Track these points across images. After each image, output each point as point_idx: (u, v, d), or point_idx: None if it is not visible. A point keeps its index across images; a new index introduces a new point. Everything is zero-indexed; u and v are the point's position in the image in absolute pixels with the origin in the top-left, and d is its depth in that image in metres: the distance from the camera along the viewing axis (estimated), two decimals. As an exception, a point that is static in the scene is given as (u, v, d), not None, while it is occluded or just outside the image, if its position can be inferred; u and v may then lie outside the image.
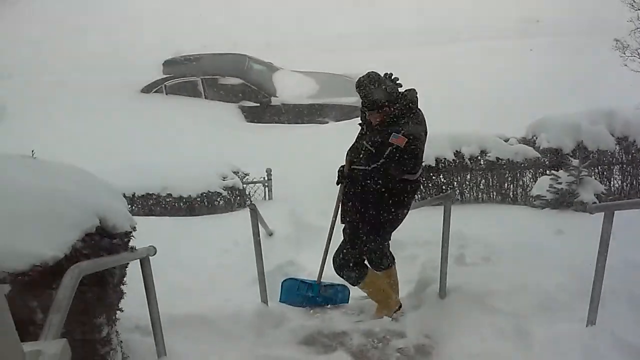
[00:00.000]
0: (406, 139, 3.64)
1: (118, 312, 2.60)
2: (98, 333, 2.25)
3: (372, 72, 3.89)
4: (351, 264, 4.05)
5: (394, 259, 4.38)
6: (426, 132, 3.92)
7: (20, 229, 1.94)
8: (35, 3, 19.04)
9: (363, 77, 3.86)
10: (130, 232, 2.60)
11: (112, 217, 2.43)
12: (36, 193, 2.15)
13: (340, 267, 4.09)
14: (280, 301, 4.59)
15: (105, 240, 2.39)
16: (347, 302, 4.67)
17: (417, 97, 3.89)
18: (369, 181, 3.80)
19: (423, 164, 6.44)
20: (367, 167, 3.81)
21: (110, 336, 2.37)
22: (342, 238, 4.11)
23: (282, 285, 4.72)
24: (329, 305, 4.53)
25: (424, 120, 3.93)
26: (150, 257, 2.96)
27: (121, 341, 2.69)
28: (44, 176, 2.40)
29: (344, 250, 4.06)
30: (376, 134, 3.83)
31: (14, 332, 1.07)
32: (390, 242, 4.31)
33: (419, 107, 3.91)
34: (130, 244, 2.67)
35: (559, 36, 15.32)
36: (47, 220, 2.07)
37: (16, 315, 1.84)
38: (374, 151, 3.78)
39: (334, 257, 4.14)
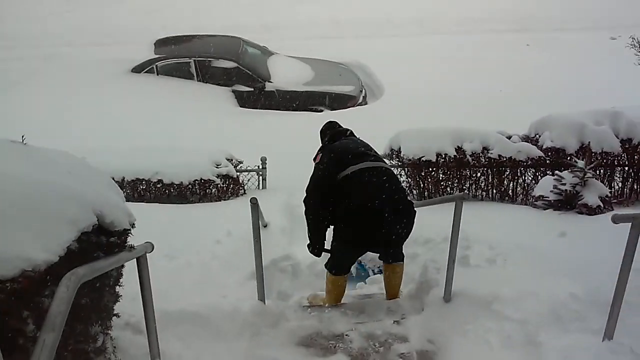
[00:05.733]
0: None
1: (113, 317, 2.39)
2: (93, 343, 2.04)
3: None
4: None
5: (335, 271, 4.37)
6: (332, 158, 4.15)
7: (8, 228, 1.71)
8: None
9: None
10: (129, 229, 2.38)
11: (111, 212, 2.21)
12: (27, 186, 1.92)
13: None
14: None
15: (102, 238, 2.18)
16: None
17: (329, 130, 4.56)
18: None
19: (424, 158, 6.41)
20: None
21: (105, 344, 2.16)
22: None
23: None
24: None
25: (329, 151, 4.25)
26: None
27: (115, 347, 2.49)
28: (35, 166, 2.17)
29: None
30: None
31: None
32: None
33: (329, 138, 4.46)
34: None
35: (556, 32, 15.23)
36: (40, 217, 1.85)
37: (3, 326, 1.65)
38: None
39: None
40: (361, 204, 3.89)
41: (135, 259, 2.64)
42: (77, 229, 1.95)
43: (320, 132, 4.63)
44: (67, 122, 9.21)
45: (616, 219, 2.96)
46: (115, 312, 2.40)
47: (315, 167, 4.21)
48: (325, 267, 4.38)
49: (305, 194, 4.16)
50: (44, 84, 11.29)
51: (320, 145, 4.52)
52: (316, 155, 4.38)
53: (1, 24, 15.55)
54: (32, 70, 12.05)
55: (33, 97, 10.58)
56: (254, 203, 3.94)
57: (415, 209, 4.13)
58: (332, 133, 4.47)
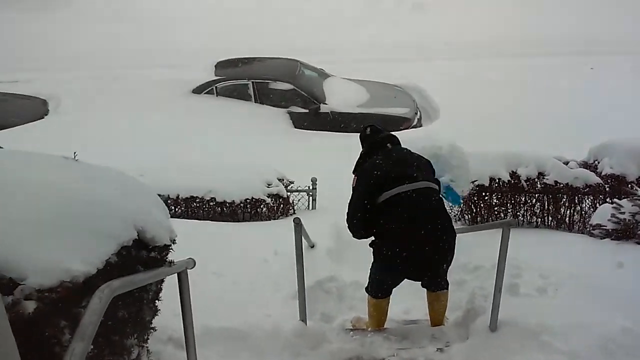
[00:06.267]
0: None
1: (151, 330, 2.45)
2: (127, 355, 2.10)
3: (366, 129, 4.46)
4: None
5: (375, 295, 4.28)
6: (367, 183, 3.93)
7: (49, 240, 1.80)
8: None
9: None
10: (170, 245, 2.45)
11: (152, 228, 2.29)
12: (71, 200, 2.02)
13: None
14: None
15: (142, 253, 2.26)
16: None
17: (367, 139, 4.31)
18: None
19: (476, 182, 6.28)
20: None
21: (140, 357, 2.22)
22: None
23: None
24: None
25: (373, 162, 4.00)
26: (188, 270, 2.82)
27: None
28: (82, 181, 2.27)
29: None
30: None
31: None
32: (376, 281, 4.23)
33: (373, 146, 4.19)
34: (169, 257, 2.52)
35: (621, 55, 14.72)
36: (81, 230, 1.94)
37: (41, 334, 1.72)
38: None
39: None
40: (397, 233, 3.76)
41: (176, 275, 2.72)
42: (117, 242, 2.03)
43: (360, 138, 4.41)
44: (129, 141, 9.57)
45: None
46: (153, 325, 2.46)
47: (352, 192, 4.06)
48: (366, 291, 4.29)
49: (346, 221, 4.05)
50: (109, 105, 11.80)
51: (359, 156, 4.27)
52: (354, 170, 4.21)
53: (69, 46, 16.41)
54: (98, 91, 12.63)
55: (98, 117, 11.07)
56: (297, 223, 3.97)
57: (456, 232, 3.93)
58: (369, 144, 4.23)
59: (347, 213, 4.01)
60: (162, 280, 2.55)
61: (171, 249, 2.49)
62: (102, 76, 13.80)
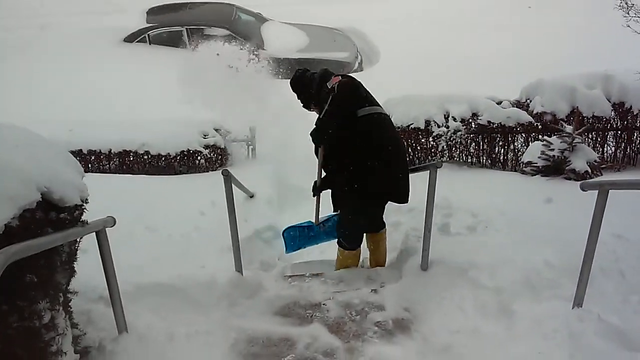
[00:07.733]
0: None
1: (69, 293, 2.37)
2: (38, 319, 2.04)
3: (299, 71, 4.14)
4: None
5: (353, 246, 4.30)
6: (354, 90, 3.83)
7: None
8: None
9: (292, 78, 4.12)
10: (82, 204, 2.36)
11: (60, 188, 2.18)
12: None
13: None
14: (286, 253, 4.64)
15: (51, 214, 2.16)
16: None
17: (344, 91, 3.79)
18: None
19: (412, 125, 6.34)
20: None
21: (55, 321, 2.16)
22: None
23: (283, 237, 4.57)
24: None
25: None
26: (108, 228, 2.73)
27: (73, 321, 2.49)
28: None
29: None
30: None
31: None
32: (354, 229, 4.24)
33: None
34: (84, 216, 2.43)
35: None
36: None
37: None
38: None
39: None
40: (390, 144, 3.86)
41: (95, 234, 2.64)
42: (17, 206, 1.92)
43: (300, 80, 4.08)
44: (59, 94, 9.16)
45: (584, 186, 2.92)
46: (69, 288, 2.39)
47: (331, 102, 3.71)
48: (341, 245, 4.28)
49: (314, 128, 3.85)
50: (38, 55, 11.20)
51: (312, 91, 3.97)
52: (309, 102, 4.07)
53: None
54: (27, 41, 11.95)
55: (27, 68, 10.51)
56: (226, 175, 3.90)
57: None
58: (319, 75, 3.95)
59: (322, 119, 3.80)
60: (77, 241, 2.46)
61: (84, 208, 2.40)
62: (28, 25, 13.03)
